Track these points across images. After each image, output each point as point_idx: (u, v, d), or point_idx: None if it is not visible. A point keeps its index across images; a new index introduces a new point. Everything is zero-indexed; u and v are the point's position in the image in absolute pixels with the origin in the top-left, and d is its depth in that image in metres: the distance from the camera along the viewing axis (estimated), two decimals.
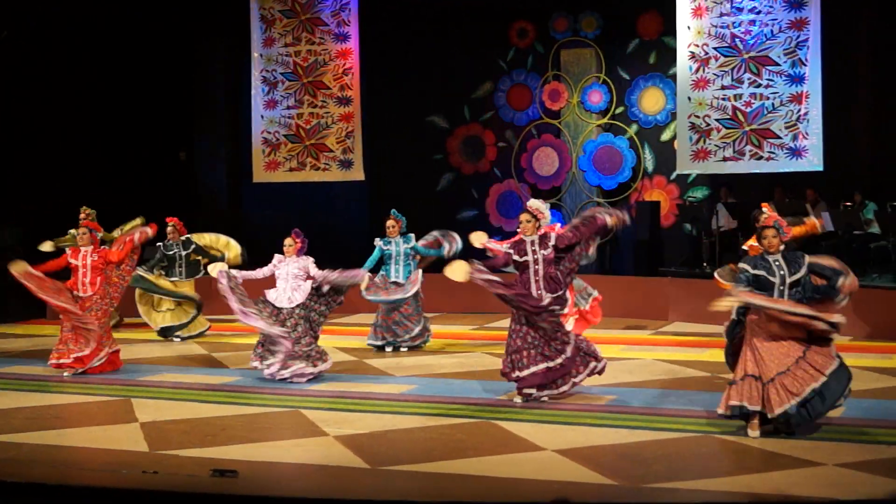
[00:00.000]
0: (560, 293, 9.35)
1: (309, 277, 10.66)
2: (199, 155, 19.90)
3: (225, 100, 19.64)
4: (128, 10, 18.24)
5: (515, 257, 9.41)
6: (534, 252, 9.35)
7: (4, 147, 16.80)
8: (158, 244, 13.69)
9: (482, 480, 7.05)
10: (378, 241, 12.51)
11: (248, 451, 7.84)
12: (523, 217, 9.50)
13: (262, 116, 18.26)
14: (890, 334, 12.78)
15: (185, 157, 19.75)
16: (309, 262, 10.72)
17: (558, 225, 10.59)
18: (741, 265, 8.24)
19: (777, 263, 8.10)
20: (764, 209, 10.04)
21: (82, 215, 13.32)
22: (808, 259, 8.19)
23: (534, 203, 9.63)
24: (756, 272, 8.09)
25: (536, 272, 9.33)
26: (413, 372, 11.19)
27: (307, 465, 7.55)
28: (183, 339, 13.56)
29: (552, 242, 9.39)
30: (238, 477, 6.74)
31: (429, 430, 8.50)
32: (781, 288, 8.03)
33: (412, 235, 12.60)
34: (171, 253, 13.67)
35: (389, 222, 12.51)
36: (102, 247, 11.42)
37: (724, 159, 15.83)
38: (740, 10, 15.67)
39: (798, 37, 15.27)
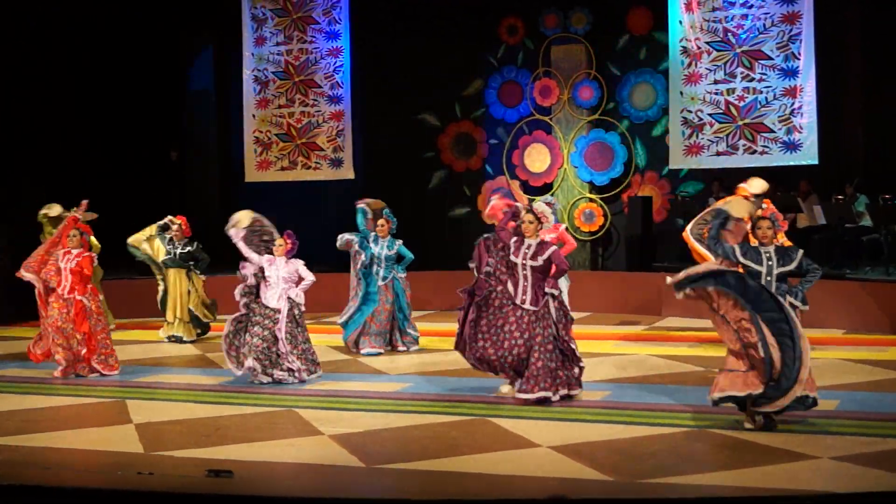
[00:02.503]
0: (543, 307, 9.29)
1: (300, 280, 10.65)
2: (191, 154, 19.87)
3: (216, 99, 19.62)
4: (118, 9, 18.20)
5: (512, 256, 9.35)
6: (525, 255, 9.29)
7: None
8: (164, 233, 13.69)
9: (478, 478, 7.05)
10: (371, 235, 12.44)
11: (243, 451, 7.83)
12: (527, 218, 9.37)
13: (253, 116, 18.24)
14: (883, 327, 12.82)
15: (177, 157, 19.71)
16: (299, 265, 10.70)
17: (562, 226, 10.54)
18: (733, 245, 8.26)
19: (767, 255, 8.15)
20: (764, 205, 10.11)
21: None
22: (801, 254, 8.23)
23: (539, 206, 9.58)
24: (744, 261, 8.12)
25: (525, 277, 9.28)
26: (407, 370, 11.19)
27: (303, 465, 7.54)
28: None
29: (545, 256, 9.30)
30: (234, 477, 6.73)
31: (424, 428, 8.49)
32: (768, 279, 8.07)
33: (398, 242, 12.51)
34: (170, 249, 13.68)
35: (381, 221, 12.44)
36: (87, 253, 11.31)
37: (718, 154, 15.84)
38: (732, 4, 15.68)
39: (791, 31, 15.28)
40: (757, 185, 10.17)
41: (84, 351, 10.94)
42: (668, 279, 8.20)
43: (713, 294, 7.97)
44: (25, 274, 11.26)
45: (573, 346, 9.33)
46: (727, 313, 7.92)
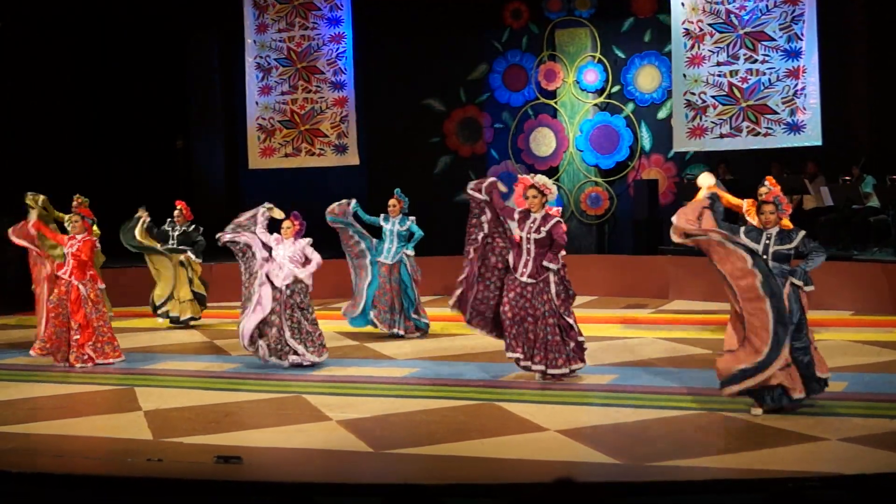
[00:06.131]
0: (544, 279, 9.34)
1: (307, 261, 10.64)
2: (197, 142, 19.86)
3: (221, 87, 19.60)
4: None
5: (517, 230, 9.38)
6: (529, 229, 9.34)
7: (0, 136, 16.77)
8: (163, 227, 13.81)
9: (485, 462, 7.06)
10: (381, 216, 12.55)
11: (251, 437, 7.86)
12: (530, 192, 9.43)
13: (256, 103, 18.20)
14: (891, 308, 12.78)
15: (183, 145, 19.72)
16: (305, 244, 10.70)
17: (554, 208, 10.54)
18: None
19: (767, 236, 8.15)
20: (767, 183, 9.96)
21: (75, 203, 13.28)
22: (802, 235, 8.21)
23: (540, 179, 9.57)
24: (745, 238, 8.13)
25: (528, 251, 9.33)
26: (415, 355, 11.20)
27: (311, 450, 7.56)
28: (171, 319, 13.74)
29: (547, 228, 9.34)
30: (242, 463, 6.76)
31: (431, 412, 8.51)
32: (764, 257, 8.06)
33: (411, 218, 12.59)
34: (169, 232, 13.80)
35: (392, 201, 12.57)
36: (89, 238, 11.31)
37: (721, 136, 15.76)
38: None
39: (793, 11, 15.19)
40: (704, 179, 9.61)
41: (78, 338, 10.92)
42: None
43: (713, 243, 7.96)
44: (15, 238, 11.54)
45: (570, 321, 9.36)
46: (723, 265, 7.89)
